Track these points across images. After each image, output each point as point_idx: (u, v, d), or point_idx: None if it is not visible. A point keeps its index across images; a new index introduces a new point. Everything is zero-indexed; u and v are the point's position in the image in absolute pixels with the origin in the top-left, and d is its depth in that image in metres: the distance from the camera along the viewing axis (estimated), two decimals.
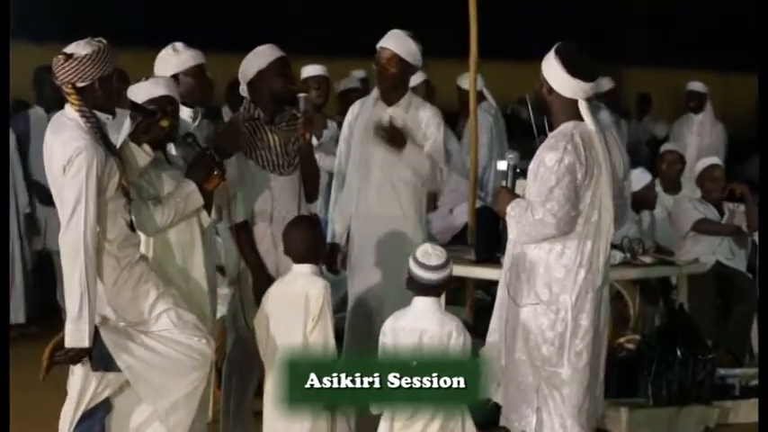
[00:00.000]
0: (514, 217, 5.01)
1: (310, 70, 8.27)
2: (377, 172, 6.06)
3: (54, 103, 8.84)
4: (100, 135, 4.73)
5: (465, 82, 8.19)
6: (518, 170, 5.18)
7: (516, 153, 5.23)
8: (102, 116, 4.78)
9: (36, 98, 8.88)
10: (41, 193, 8.68)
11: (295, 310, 5.16)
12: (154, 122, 5.03)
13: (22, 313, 8.66)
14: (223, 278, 6.27)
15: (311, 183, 5.72)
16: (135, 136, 5.01)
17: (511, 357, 5.08)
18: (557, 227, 4.92)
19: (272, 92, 5.59)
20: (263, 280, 5.47)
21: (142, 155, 5.00)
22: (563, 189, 4.91)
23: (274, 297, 5.27)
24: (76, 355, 4.75)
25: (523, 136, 9.32)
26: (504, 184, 5.18)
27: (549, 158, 4.95)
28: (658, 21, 14.45)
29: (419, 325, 4.93)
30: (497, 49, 7.79)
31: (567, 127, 5.03)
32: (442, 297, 5.53)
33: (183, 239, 5.23)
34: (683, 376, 6.53)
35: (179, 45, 5.65)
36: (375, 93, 6.19)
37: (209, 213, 5.27)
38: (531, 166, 5.06)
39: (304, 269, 5.25)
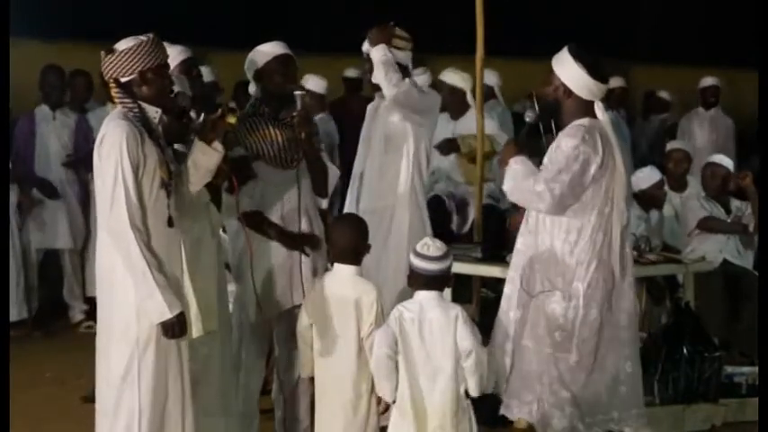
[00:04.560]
0: (514, 172, 5.15)
1: None
2: (370, 166, 6.14)
3: (59, 101, 8.87)
4: (143, 125, 4.64)
5: (450, 77, 8.18)
6: (534, 130, 5.28)
7: (536, 112, 5.32)
8: (152, 110, 4.69)
9: (42, 96, 8.90)
10: (46, 189, 8.71)
11: (346, 314, 5.13)
12: (218, 119, 4.92)
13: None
14: (230, 275, 6.28)
15: (318, 178, 5.72)
16: (203, 135, 4.92)
17: (517, 345, 5.16)
18: (549, 206, 5.05)
19: (271, 88, 5.60)
20: (290, 236, 5.48)
21: (212, 153, 4.90)
22: (570, 175, 5.02)
23: (320, 299, 5.21)
24: (172, 327, 4.58)
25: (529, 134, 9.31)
26: (518, 137, 5.36)
27: (565, 143, 5.06)
28: (664, 18, 14.45)
29: (424, 315, 4.94)
30: (503, 47, 7.78)
31: (583, 121, 5.13)
32: (448, 293, 5.55)
33: (194, 237, 5.21)
34: (689, 374, 6.53)
35: None
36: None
37: (219, 209, 5.27)
38: (548, 153, 5.15)
39: (349, 270, 5.18)
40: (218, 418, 5.28)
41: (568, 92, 5.12)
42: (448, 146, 7.94)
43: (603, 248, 5.10)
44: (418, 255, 5.01)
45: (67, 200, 8.76)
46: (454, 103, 8.05)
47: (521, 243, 5.26)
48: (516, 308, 5.20)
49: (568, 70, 5.11)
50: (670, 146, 9.02)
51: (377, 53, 6.11)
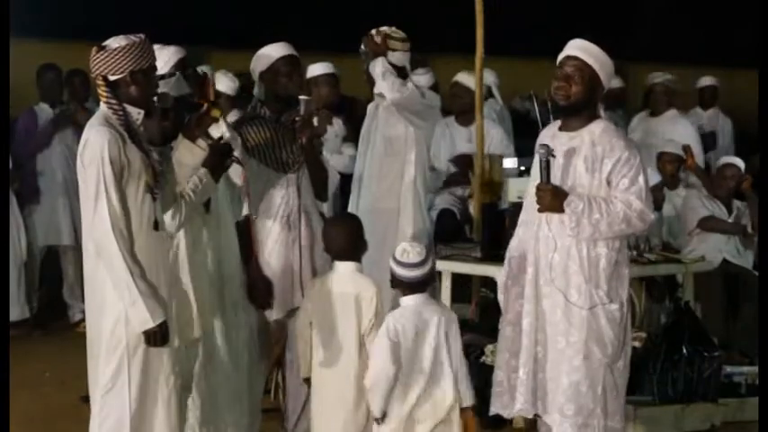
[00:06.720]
0: (582, 213, 4.78)
1: (318, 68, 8.18)
2: (369, 167, 6.17)
3: (58, 99, 8.89)
4: (126, 129, 4.58)
5: (467, 79, 8.13)
6: (551, 162, 4.86)
7: (547, 146, 4.86)
8: (134, 111, 4.62)
9: (40, 95, 8.91)
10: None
11: (346, 311, 5.12)
12: (202, 115, 4.88)
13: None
14: None
15: (318, 181, 5.72)
16: (188, 133, 4.88)
17: (570, 361, 4.90)
18: (653, 219, 4.88)
19: (275, 90, 5.60)
20: (259, 281, 5.45)
21: (197, 151, 4.86)
22: (648, 184, 4.86)
23: (320, 297, 5.19)
24: (154, 336, 4.53)
25: (525, 132, 9.31)
26: (541, 180, 4.86)
27: (627, 155, 4.81)
28: (664, 17, 14.45)
29: (417, 318, 4.93)
30: (501, 46, 7.78)
31: (608, 122, 4.97)
32: (447, 293, 5.53)
33: (192, 235, 5.20)
34: (688, 374, 6.53)
35: None
36: None
37: (208, 210, 5.27)
38: (587, 163, 4.86)
39: (348, 267, 5.16)
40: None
41: (600, 87, 4.86)
42: (463, 161, 7.87)
43: (628, 250, 5.01)
44: (398, 262, 4.95)
45: (70, 197, 8.78)
46: (468, 107, 7.96)
47: (541, 248, 4.93)
48: (556, 321, 4.92)
49: (602, 61, 4.84)
50: (661, 148, 9.04)
51: (377, 68, 6.16)
